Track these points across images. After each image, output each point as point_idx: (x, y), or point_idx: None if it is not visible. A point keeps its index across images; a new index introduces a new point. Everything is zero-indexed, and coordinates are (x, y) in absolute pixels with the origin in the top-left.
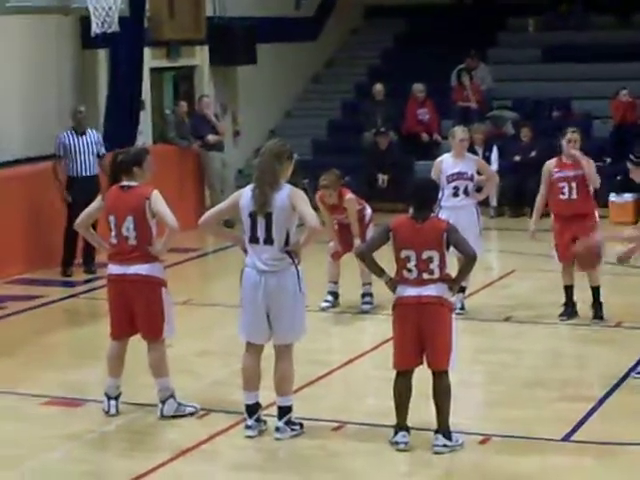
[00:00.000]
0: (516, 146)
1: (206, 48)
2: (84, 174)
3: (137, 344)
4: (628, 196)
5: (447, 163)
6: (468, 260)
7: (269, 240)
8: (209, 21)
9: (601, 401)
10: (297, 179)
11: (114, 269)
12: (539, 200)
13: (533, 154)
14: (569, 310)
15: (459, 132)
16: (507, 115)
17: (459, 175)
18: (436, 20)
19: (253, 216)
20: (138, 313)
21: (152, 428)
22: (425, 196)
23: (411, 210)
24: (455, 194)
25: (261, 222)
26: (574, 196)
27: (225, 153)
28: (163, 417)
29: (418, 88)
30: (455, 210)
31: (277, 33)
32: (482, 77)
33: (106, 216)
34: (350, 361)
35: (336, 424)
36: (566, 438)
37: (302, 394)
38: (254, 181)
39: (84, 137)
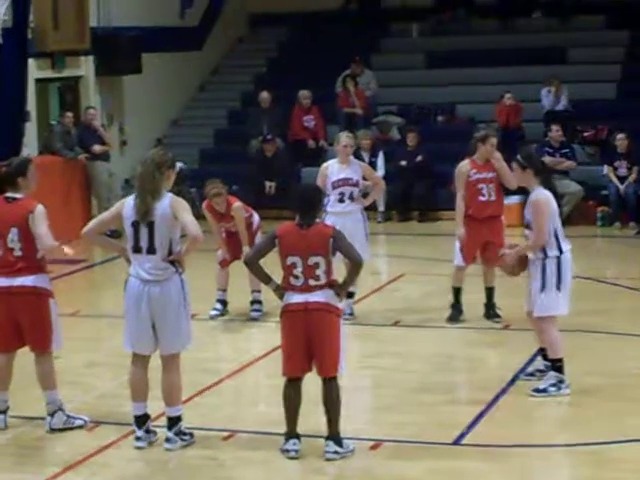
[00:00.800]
0: (402, 151)
1: (91, 58)
2: None
3: (25, 356)
4: (514, 198)
5: (333, 169)
6: (354, 265)
7: (152, 249)
8: (94, 31)
9: (491, 404)
10: (182, 188)
11: (0, 281)
12: (461, 203)
13: (419, 159)
14: (457, 312)
15: (343, 138)
16: (393, 121)
17: (345, 181)
18: (321, 27)
19: (135, 225)
20: (25, 325)
21: (41, 442)
22: (310, 202)
23: (297, 217)
24: (341, 200)
25: (143, 231)
26: (493, 197)
27: (112, 163)
28: (52, 430)
29: (304, 95)
30: (341, 216)
31: (162, 42)
32: (367, 83)
33: None
34: (240, 369)
35: (227, 433)
36: (456, 442)
37: (192, 403)
38: (136, 190)
39: None
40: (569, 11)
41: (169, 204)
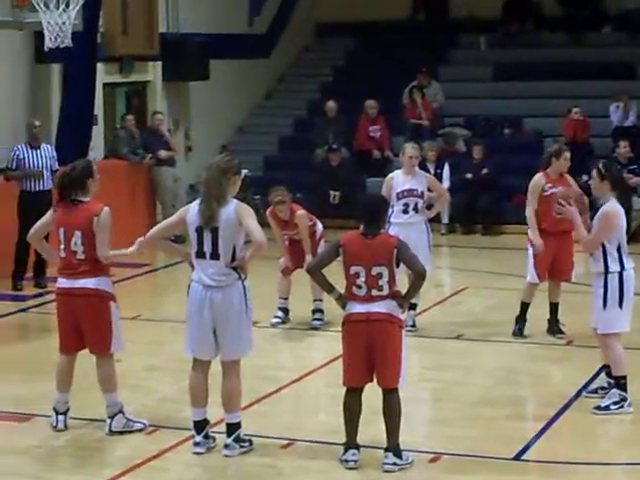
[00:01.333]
0: (468, 163)
1: (159, 64)
2: (37, 188)
3: (87, 359)
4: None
5: (398, 180)
6: (418, 277)
7: (215, 255)
8: (162, 37)
9: (552, 420)
10: (247, 195)
11: (62, 283)
12: (533, 217)
13: (485, 172)
14: (522, 327)
15: (408, 149)
16: (459, 133)
17: (409, 192)
18: (388, 37)
19: (199, 231)
20: (86, 327)
21: (100, 444)
22: (375, 212)
23: (361, 226)
24: (405, 211)
25: (207, 237)
26: None
27: (177, 168)
28: (111, 433)
29: (370, 105)
30: (405, 227)
31: (230, 49)
32: (434, 94)
33: (56, 230)
34: (300, 378)
35: (285, 441)
36: (517, 457)
37: (251, 411)
38: (201, 196)
39: (39, 151)
40: (639, 26)
41: (234, 210)
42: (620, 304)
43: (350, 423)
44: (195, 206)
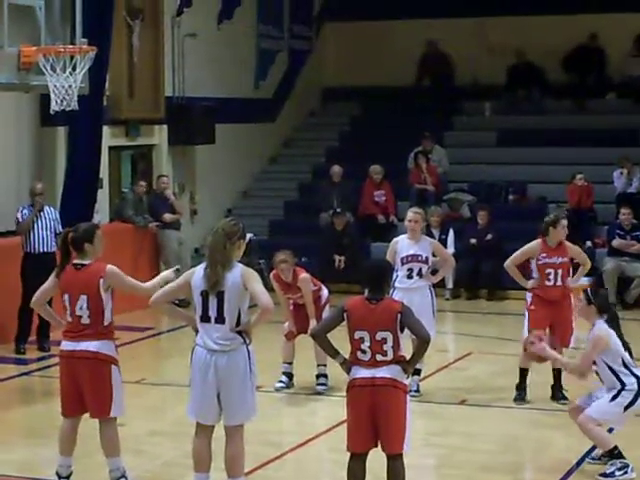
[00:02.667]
0: (472, 229)
1: (165, 127)
2: (41, 250)
3: (91, 422)
4: (585, 280)
5: (402, 244)
6: (422, 342)
7: (220, 319)
8: (168, 101)
9: None
10: (251, 259)
11: (65, 345)
12: (513, 266)
13: (489, 237)
14: (523, 393)
15: (410, 213)
16: (463, 198)
17: (413, 257)
18: (393, 103)
19: (204, 295)
20: (86, 390)
21: None
22: (379, 277)
23: (365, 291)
24: (409, 276)
25: (213, 301)
26: (559, 282)
27: (182, 232)
28: None
29: (375, 170)
30: (409, 292)
31: (236, 113)
32: (438, 159)
33: (61, 295)
34: (303, 443)
35: None
36: None
37: (254, 476)
38: (206, 260)
39: (42, 214)
40: None
41: (240, 274)
42: (626, 407)
43: None
44: (200, 270)
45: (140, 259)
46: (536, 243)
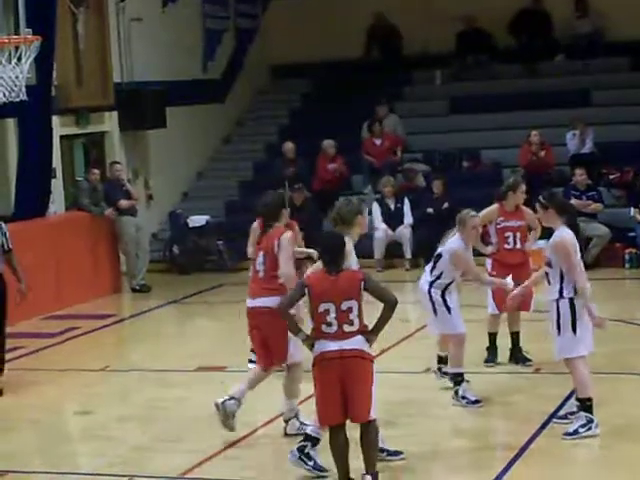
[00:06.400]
0: (428, 198)
1: (115, 114)
2: None
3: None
4: (541, 243)
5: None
6: (389, 306)
7: None
8: (117, 87)
9: (524, 448)
10: (210, 240)
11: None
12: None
13: (445, 206)
14: (493, 355)
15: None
16: (418, 168)
17: None
18: (343, 76)
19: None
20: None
21: None
22: (335, 249)
23: (322, 264)
24: None
25: None
26: (518, 246)
27: (139, 217)
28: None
29: (329, 144)
30: None
31: (186, 96)
32: (393, 126)
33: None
34: (274, 419)
35: None
36: None
37: (226, 454)
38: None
39: None
40: (592, 53)
41: None
42: (574, 329)
43: (339, 460)
44: None
45: (99, 247)
46: (494, 207)
